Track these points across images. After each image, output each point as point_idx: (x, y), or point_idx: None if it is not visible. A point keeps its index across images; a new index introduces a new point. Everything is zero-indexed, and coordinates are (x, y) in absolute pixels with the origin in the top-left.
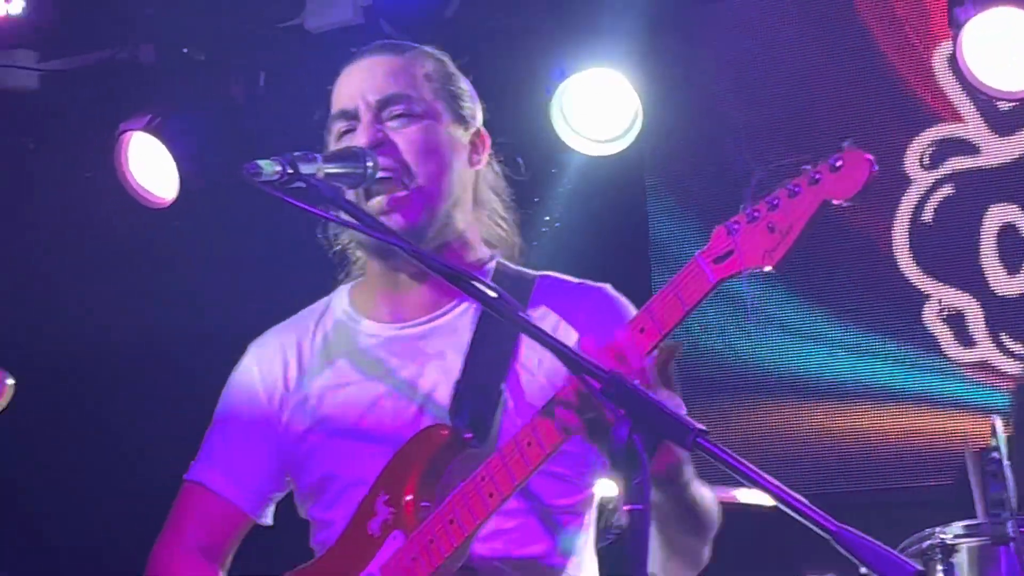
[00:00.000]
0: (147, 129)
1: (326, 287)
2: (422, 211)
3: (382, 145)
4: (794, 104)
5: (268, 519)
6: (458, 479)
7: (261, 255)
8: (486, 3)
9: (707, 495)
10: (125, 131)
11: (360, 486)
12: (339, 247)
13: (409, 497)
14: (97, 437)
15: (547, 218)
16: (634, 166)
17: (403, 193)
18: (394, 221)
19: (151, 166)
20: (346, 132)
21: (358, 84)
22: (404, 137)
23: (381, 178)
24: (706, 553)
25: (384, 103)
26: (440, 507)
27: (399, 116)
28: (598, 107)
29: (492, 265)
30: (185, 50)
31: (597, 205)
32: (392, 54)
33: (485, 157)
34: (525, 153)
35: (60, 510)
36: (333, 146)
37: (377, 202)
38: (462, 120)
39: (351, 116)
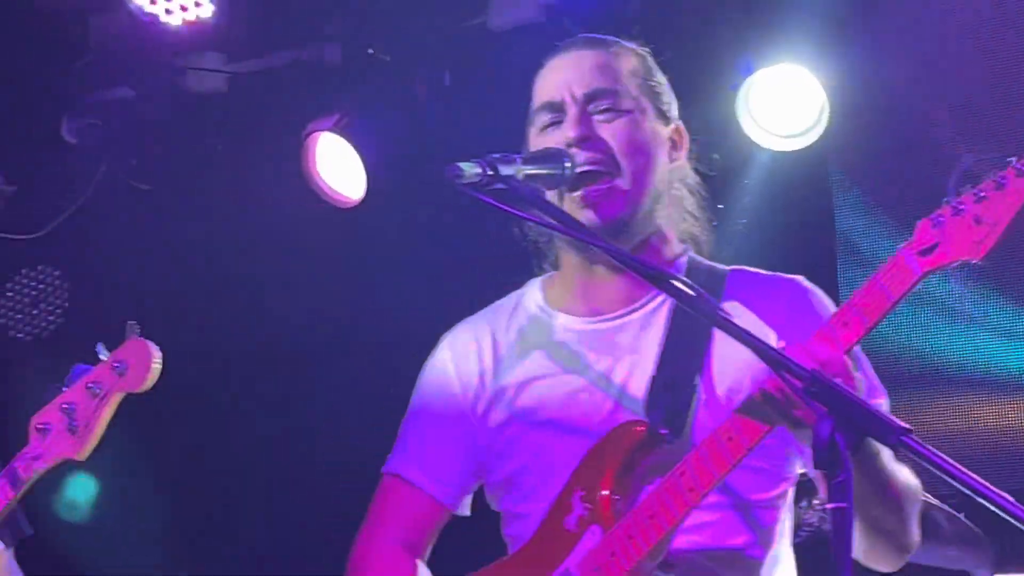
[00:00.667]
0: (334, 129)
1: (514, 281)
2: (625, 205)
3: (589, 139)
4: (988, 95)
5: (466, 510)
6: (653, 475)
7: (448, 251)
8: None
9: (904, 470)
10: (312, 131)
11: (554, 480)
12: (533, 241)
13: (605, 493)
14: (292, 432)
15: (733, 215)
16: (820, 161)
17: (606, 186)
18: (598, 215)
19: (338, 166)
20: (551, 125)
21: (564, 77)
22: (611, 131)
23: (585, 172)
24: (913, 534)
25: (591, 97)
26: (639, 503)
27: (606, 111)
28: (784, 102)
29: (684, 260)
30: (371, 50)
31: (783, 201)
32: (598, 48)
33: (683, 153)
34: (711, 149)
35: (256, 508)
36: (536, 139)
37: (579, 195)
38: (663, 116)
39: (557, 108)
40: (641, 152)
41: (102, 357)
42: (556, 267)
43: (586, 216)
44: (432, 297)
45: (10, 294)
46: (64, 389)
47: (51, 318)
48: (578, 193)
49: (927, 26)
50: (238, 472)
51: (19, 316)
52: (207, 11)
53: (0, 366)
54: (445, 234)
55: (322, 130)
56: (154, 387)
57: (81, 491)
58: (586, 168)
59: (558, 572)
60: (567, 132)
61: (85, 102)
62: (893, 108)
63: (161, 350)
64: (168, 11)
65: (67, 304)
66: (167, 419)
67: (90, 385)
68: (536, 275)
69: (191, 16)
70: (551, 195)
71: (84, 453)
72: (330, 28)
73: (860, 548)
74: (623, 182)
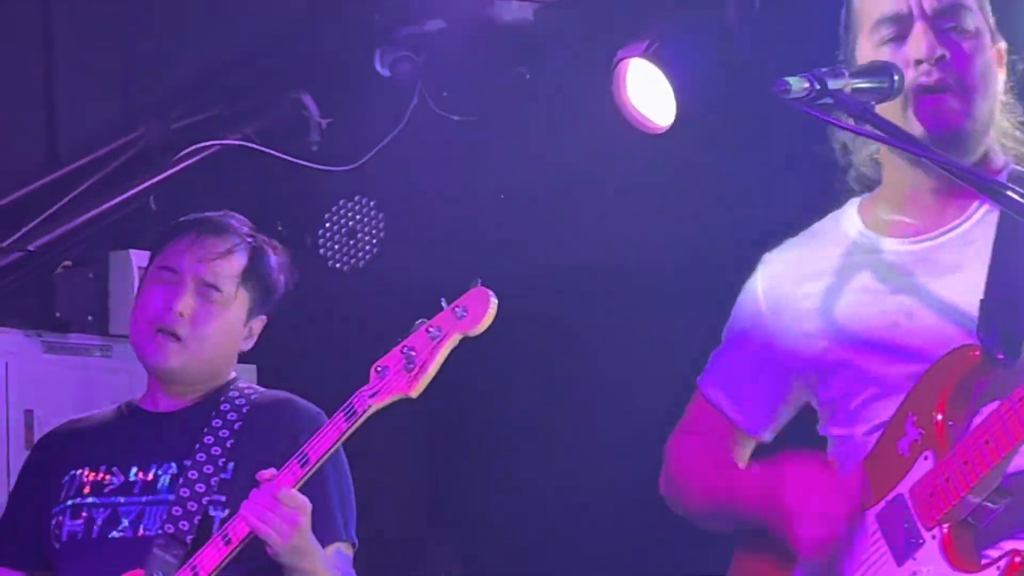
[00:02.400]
0: (644, 55)
1: (829, 204)
2: (963, 120)
3: (941, 59)
4: None
5: (769, 438)
6: (987, 399)
7: (760, 177)
8: None
9: None
10: (622, 58)
11: (881, 401)
12: (851, 162)
13: (939, 417)
14: (617, 353)
15: None
16: None
17: (945, 103)
18: (934, 128)
19: (648, 92)
20: (892, 40)
21: None
22: (959, 52)
23: (927, 87)
24: None
25: (939, 12)
26: (974, 428)
27: (953, 28)
28: None
29: (1007, 171)
30: None
31: None
32: None
33: (1004, 71)
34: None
35: (571, 428)
36: (872, 53)
37: (914, 110)
38: (993, 33)
39: (901, 21)
40: (985, 75)
41: (444, 306)
42: (872, 187)
43: (920, 130)
44: (749, 221)
45: (328, 225)
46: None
47: (368, 248)
48: (912, 108)
49: None
50: (551, 392)
51: (337, 246)
52: None
53: (320, 295)
54: (757, 158)
55: (632, 57)
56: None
57: None
58: (931, 87)
59: (890, 497)
60: (917, 49)
61: (397, 35)
62: None
63: (470, 279)
64: None
65: (383, 234)
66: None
67: (430, 329)
68: (855, 195)
69: None
70: (886, 109)
71: (418, 390)
72: None
73: None
74: (962, 102)
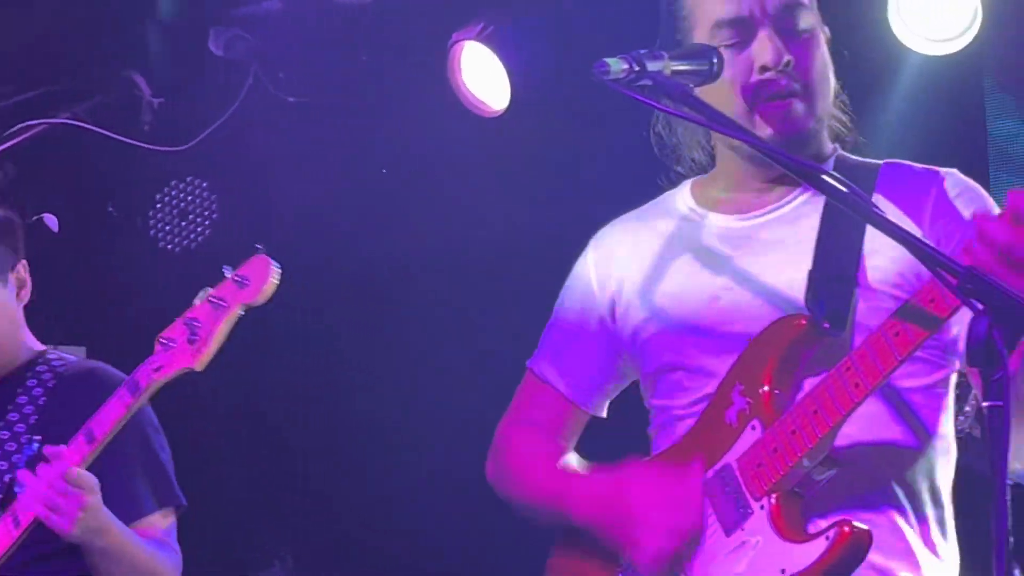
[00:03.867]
0: (478, 38)
1: (661, 186)
2: (806, 125)
3: (785, 65)
4: None
5: (603, 412)
6: (814, 370)
7: (593, 158)
8: None
9: None
10: (457, 41)
11: (700, 375)
12: (671, 143)
13: (766, 387)
14: (439, 341)
15: (882, 120)
16: (973, 65)
17: (788, 106)
18: (780, 132)
19: (483, 75)
20: (733, 44)
21: None
22: (800, 54)
23: (772, 92)
24: None
25: (782, 15)
26: (802, 397)
27: (794, 29)
28: (937, 5)
29: (834, 157)
30: None
31: (934, 106)
32: None
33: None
34: (862, 54)
35: (398, 398)
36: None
37: (760, 114)
38: (821, 20)
39: (742, 24)
40: (824, 73)
41: (227, 275)
42: (703, 170)
43: (768, 132)
44: (581, 202)
45: (159, 206)
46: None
47: (199, 229)
48: (758, 113)
49: None
50: (382, 375)
51: (168, 228)
52: None
53: (151, 277)
54: (592, 140)
55: (466, 39)
56: (310, 291)
57: None
58: (778, 93)
59: (718, 467)
60: (763, 55)
61: (232, 14)
62: None
63: (302, 259)
64: None
65: (215, 215)
66: (311, 327)
67: (213, 299)
68: (688, 177)
69: None
70: (733, 114)
71: (202, 363)
72: None
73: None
74: (807, 104)
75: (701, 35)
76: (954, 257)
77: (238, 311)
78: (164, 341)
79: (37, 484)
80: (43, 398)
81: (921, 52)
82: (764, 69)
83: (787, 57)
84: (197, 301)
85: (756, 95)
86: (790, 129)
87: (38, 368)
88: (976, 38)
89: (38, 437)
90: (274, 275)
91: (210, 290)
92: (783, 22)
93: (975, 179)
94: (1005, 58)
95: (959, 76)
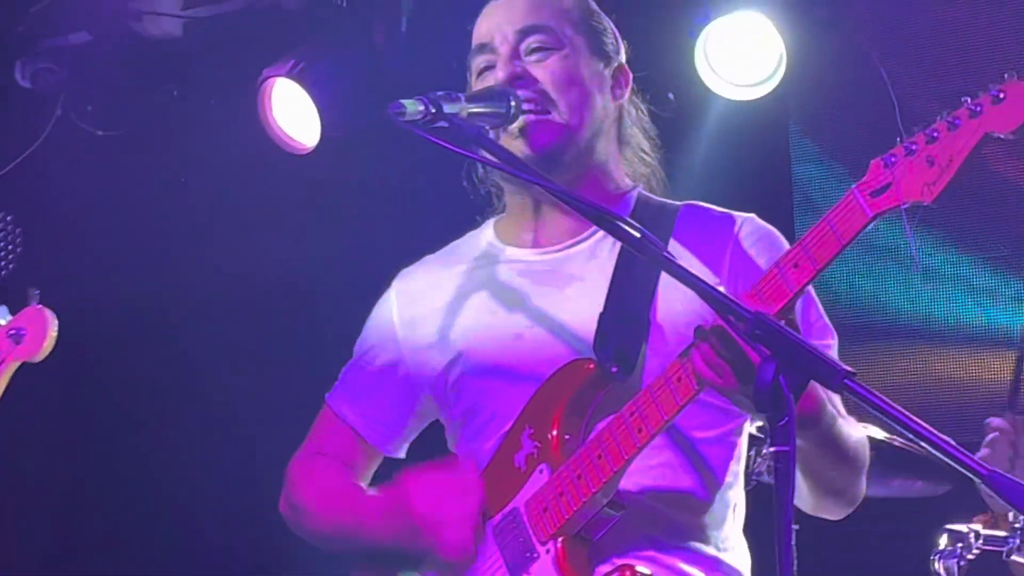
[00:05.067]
0: (290, 75)
1: (469, 226)
2: (560, 137)
3: (521, 79)
4: (943, 46)
5: (400, 453)
6: (603, 413)
7: (403, 197)
8: None
9: (854, 432)
10: (268, 77)
11: (502, 419)
12: (483, 186)
13: (555, 431)
14: (245, 377)
15: (687, 163)
16: (778, 110)
17: (541, 119)
18: (532, 145)
19: (293, 112)
20: (486, 68)
21: (497, 18)
22: (544, 69)
23: (522, 110)
24: (861, 487)
25: (523, 34)
26: (588, 442)
27: (538, 49)
28: (742, 51)
29: (634, 195)
30: None
31: (739, 150)
32: None
33: (627, 92)
34: (673, 93)
35: (207, 441)
36: (475, 84)
37: (516, 125)
38: (603, 54)
39: (489, 50)
40: (574, 87)
41: (1, 321)
42: (506, 208)
43: (518, 147)
44: (388, 241)
45: None
46: None
47: (3, 264)
48: (513, 125)
49: None
50: (189, 416)
51: None
52: None
53: None
54: (402, 178)
55: (277, 76)
56: (110, 325)
57: None
58: (522, 107)
59: (506, 510)
60: (498, 72)
61: (40, 46)
62: (852, 55)
63: (110, 296)
64: None
65: (20, 249)
66: (113, 363)
67: None
68: (489, 216)
69: None
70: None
71: None
72: None
73: (808, 504)
74: (557, 115)
75: (470, 67)
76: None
77: (14, 367)
78: None
79: None
80: None
81: (727, 97)
82: None
83: (520, 71)
84: None
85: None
86: (538, 142)
87: None
88: (781, 83)
89: None
90: (52, 330)
91: None
92: (521, 42)
93: (779, 223)
94: (808, 104)
95: (764, 121)
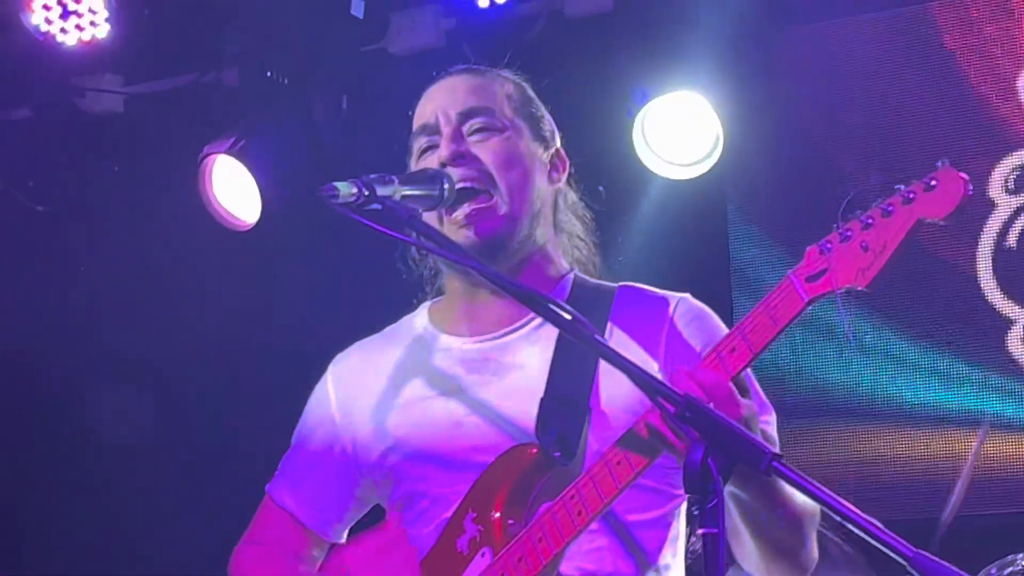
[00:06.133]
0: (230, 152)
1: (408, 307)
2: (504, 222)
3: (463, 157)
4: (878, 127)
5: (342, 539)
6: (545, 497)
7: (342, 276)
8: (568, 27)
9: (799, 493)
10: (209, 154)
11: (443, 503)
12: (419, 268)
13: (497, 515)
14: (180, 450)
15: (627, 243)
16: (715, 190)
17: (485, 205)
18: (477, 233)
19: (234, 188)
20: (428, 149)
21: (439, 100)
22: (486, 149)
23: (462, 189)
24: (811, 551)
25: (465, 116)
26: (529, 526)
27: (480, 130)
28: (680, 130)
29: (570, 278)
30: (269, 73)
31: (677, 229)
32: (472, 74)
33: (564, 176)
34: (606, 176)
35: (138, 531)
36: (415, 165)
37: (459, 215)
38: (542, 139)
39: (432, 131)
40: (516, 168)
41: None
42: (441, 291)
43: (464, 235)
44: (326, 321)
45: None
46: None
47: None
48: (457, 213)
49: (824, 58)
50: (124, 496)
51: None
52: (103, 31)
53: None
54: (340, 259)
55: (218, 153)
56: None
57: None
58: (462, 185)
59: None
60: (441, 151)
61: None
62: (788, 138)
63: (47, 371)
64: (64, 30)
65: None
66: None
67: None
68: (428, 299)
69: (87, 36)
70: (430, 217)
71: None
72: (229, 50)
73: (759, 568)
74: (500, 200)
75: (411, 148)
76: (674, 385)
77: None
78: None
79: None
80: None
81: (664, 176)
82: (443, 164)
83: (461, 151)
84: None
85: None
86: (483, 230)
87: None
88: (718, 163)
89: None
90: None
91: None
92: (465, 125)
93: (716, 302)
94: (745, 185)
95: (702, 200)
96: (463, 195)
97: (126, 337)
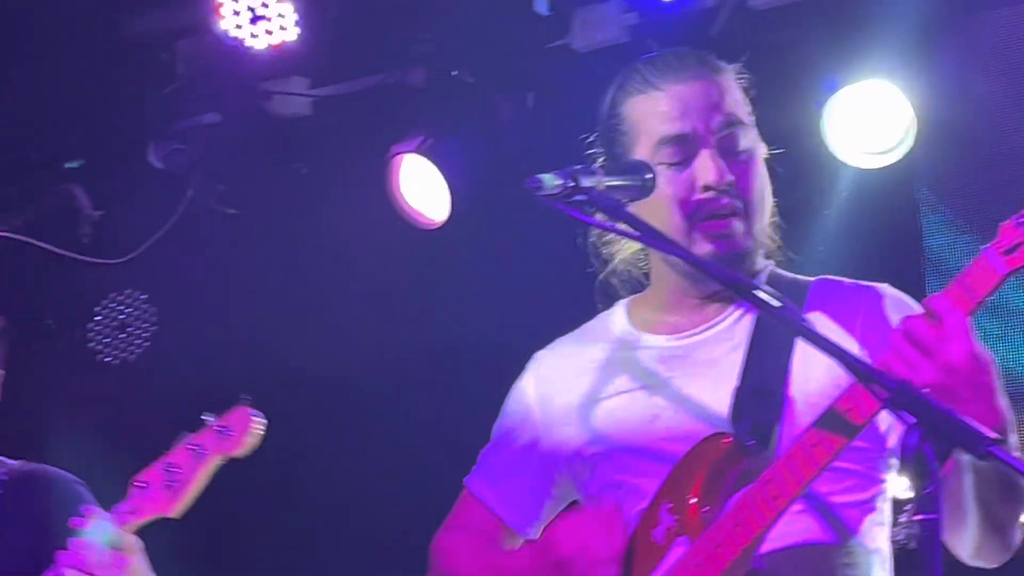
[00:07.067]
0: (419, 151)
1: (600, 300)
2: (745, 243)
3: (727, 184)
4: None
5: (536, 535)
6: (740, 486)
7: (533, 271)
8: (754, 17)
9: None
10: (396, 153)
11: (638, 494)
12: (610, 259)
13: (693, 501)
14: (379, 453)
15: (816, 234)
16: (907, 178)
17: (730, 225)
18: (717, 250)
19: (422, 187)
20: (677, 163)
21: (690, 105)
22: (741, 172)
23: (712, 212)
24: (1019, 531)
25: (725, 134)
26: (725, 512)
27: (734, 149)
28: (870, 119)
29: (766, 273)
30: (454, 72)
31: (870, 219)
32: (712, 73)
33: None
34: (796, 167)
35: (340, 521)
36: (663, 175)
37: (703, 229)
38: (759, 139)
39: (686, 142)
40: (763, 193)
41: (208, 422)
42: (637, 289)
43: (706, 249)
44: (520, 318)
45: (99, 318)
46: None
47: (139, 342)
48: (698, 231)
49: (1017, 41)
50: (321, 498)
51: (107, 340)
52: (292, 35)
53: (90, 389)
54: (531, 254)
55: (406, 152)
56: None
57: None
58: (717, 213)
59: None
60: (705, 175)
61: (172, 128)
62: (982, 124)
63: (244, 373)
64: (253, 35)
65: (154, 328)
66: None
67: (192, 447)
68: (622, 295)
69: (276, 40)
70: (670, 230)
71: (177, 511)
72: (414, 51)
73: (971, 545)
74: (746, 223)
75: (643, 151)
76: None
77: (217, 460)
78: (140, 484)
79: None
80: None
81: (855, 165)
82: (706, 188)
83: (729, 177)
84: (176, 445)
85: (696, 213)
86: (728, 248)
87: None
88: (911, 151)
89: None
90: (256, 427)
91: (189, 435)
92: (725, 142)
93: (910, 292)
94: (938, 172)
95: (894, 189)
96: (713, 214)
97: (317, 339)
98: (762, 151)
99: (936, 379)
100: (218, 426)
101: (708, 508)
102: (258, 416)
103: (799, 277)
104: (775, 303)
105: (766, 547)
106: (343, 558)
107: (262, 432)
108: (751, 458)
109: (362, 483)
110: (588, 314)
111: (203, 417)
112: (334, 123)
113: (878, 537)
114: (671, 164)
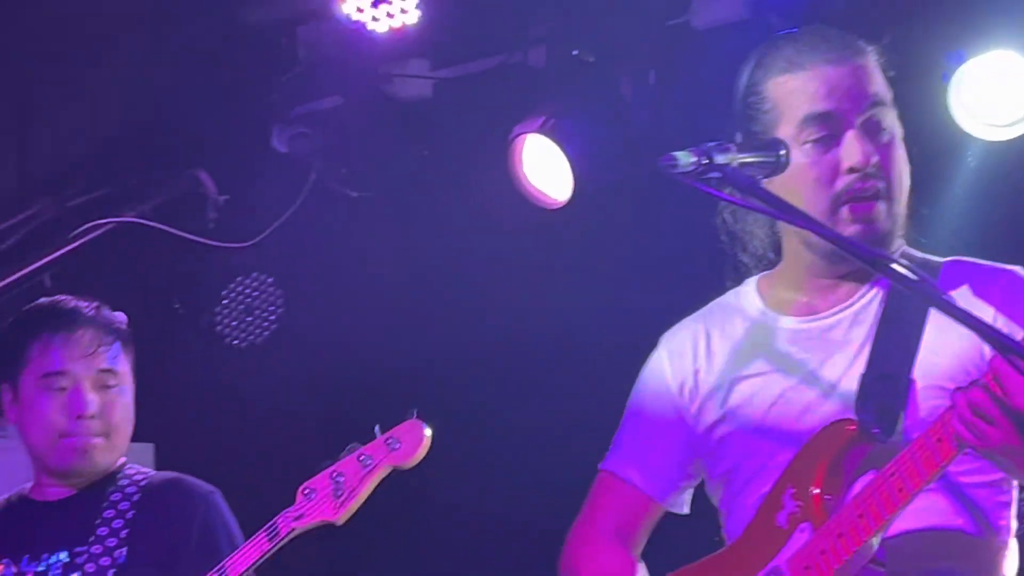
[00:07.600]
0: (541, 131)
1: (726, 278)
2: (886, 227)
3: (872, 167)
4: None
5: (681, 507)
6: (864, 470)
7: (659, 249)
8: None
9: None
10: (519, 134)
11: (763, 477)
12: (741, 234)
13: (816, 490)
14: (506, 436)
15: (947, 209)
16: None
17: (873, 207)
18: (865, 232)
19: (545, 167)
20: (820, 140)
21: (836, 84)
22: (885, 155)
23: (856, 195)
24: None
25: (867, 113)
26: (850, 501)
27: (879, 131)
28: (998, 91)
29: (898, 253)
30: (575, 52)
31: (998, 192)
32: (856, 56)
33: None
34: (922, 141)
35: (470, 508)
36: (794, 149)
37: (846, 211)
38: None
39: (831, 121)
40: (903, 174)
41: (377, 435)
42: (769, 266)
43: (850, 231)
44: (646, 296)
45: (225, 302)
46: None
47: (265, 324)
48: (842, 212)
49: None
50: (457, 478)
51: (235, 323)
52: (413, 18)
53: (218, 372)
54: (655, 232)
55: (528, 132)
56: (368, 385)
57: None
58: (863, 194)
59: (767, 569)
60: (852, 156)
61: (294, 112)
62: None
63: (369, 355)
64: (375, 19)
65: (281, 311)
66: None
67: (362, 457)
68: (751, 272)
69: (397, 23)
70: (816, 213)
71: (343, 518)
72: (534, 31)
73: None
74: (888, 206)
75: (786, 129)
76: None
77: (385, 471)
78: (307, 491)
79: None
80: (130, 512)
81: (984, 138)
82: (852, 170)
83: (875, 159)
84: (344, 455)
85: (842, 194)
86: (871, 231)
87: (119, 481)
88: None
89: (124, 548)
90: (426, 440)
91: (359, 446)
92: (870, 123)
93: None
94: None
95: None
96: (856, 196)
97: (442, 321)
98: (900, 132)
99: None
100: (389, 438)
101: (830, 496)
102: (427, 429)
103: (930, 257)
104: (913, 276)
105: (895, 528)
106: (471, 552)
107: (429, 445)
108: (875, 446)
109: (488, 470)
110: (712, 293)
111: (375, 431)
112: (455, 105)
113: (1007, 518)
114: (814, 141)
